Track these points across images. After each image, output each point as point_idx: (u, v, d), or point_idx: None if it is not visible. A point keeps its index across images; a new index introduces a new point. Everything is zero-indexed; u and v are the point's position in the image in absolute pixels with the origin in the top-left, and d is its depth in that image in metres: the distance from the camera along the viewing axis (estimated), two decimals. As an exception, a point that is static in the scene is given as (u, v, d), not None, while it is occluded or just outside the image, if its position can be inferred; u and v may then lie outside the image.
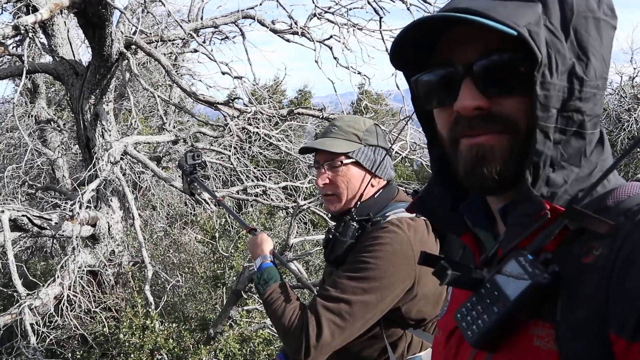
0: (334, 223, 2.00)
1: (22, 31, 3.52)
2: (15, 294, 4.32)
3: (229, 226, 6.26)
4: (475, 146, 0.78)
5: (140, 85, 5.56)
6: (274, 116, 5.40)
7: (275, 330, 1.92)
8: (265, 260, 2.00)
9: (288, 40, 5.85)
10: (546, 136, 0.73)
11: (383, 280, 1.68)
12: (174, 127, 7.67)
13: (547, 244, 0.74)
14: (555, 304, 0.70)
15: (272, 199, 6.65)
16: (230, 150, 6.60)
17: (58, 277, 4.51)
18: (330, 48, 5.90)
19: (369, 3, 5.66)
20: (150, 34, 5.13)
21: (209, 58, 5.25)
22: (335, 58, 5.90)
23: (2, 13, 6.96)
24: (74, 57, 5.27)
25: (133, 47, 4.92)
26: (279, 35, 5.77)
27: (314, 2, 5.74)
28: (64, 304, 4.53)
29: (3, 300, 6.18)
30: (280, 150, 7.06)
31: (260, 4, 5.74)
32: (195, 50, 7.14)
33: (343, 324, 1.67)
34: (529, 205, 0.74)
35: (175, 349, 4.35)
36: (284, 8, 5.42)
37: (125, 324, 4.33)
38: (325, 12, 5.76)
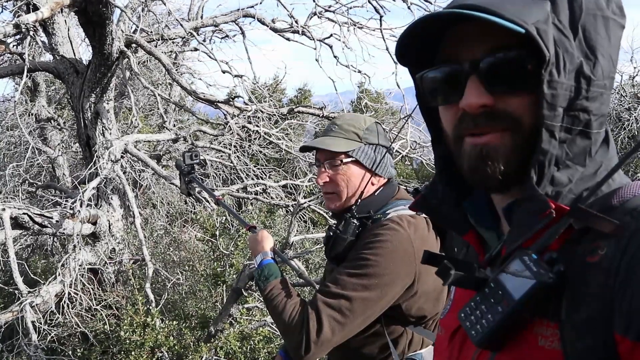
0: (334, 221, 2.01)
1: (23, 29, 3.53)
2: (16, 291, 4.33)
3: (228, 224, 6.26)
4: (479, 145, 0.78)
5: (141, 83, 5.56)
6: (274, 115, 5.40)
7: (276, 326, 1.92)
8: (266, 257, 2.01)
9: (288, 39, 5.85)
10: (552, 135, 0.72)
11: (383, 277, 1.69)
12: (174, 126, 7.68)
13: (552, 243, 0.74)
14: (560, 303, 0.70)
15: (271, 197, 6.65)
16: (230, 149, 6.60)
17: (59, 275, 4.52)
18: (331, 47, 5.90)
19: (369, 2, 5.66)
20: (151, 32, 5.14)
21: (209, 57, 5.27)
22: (335, 57, 5.90)
23: (2, 11, 6.95)
24: (75, 55, 5.27)
25: (133, 45, 4.92)
26: (279, 34, 5.76)
27: (314, 1, 5.73)
28: (64, 302, 4.54)
29: (4, 298, 6.20)
30: (280, 149, 7.07)
31: (260, 3, 5.74)
32: (196, 49, 7.14)
33: (343, 320, 1.67)
34: (534, 204, 0.73)
35: (176, 347, 4.36)
36: (284, 7, 5.42)
37: (125, 321, 4.33)
38: (326, 10, 5.75)
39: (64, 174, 7.68)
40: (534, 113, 0.73)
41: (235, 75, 5.08)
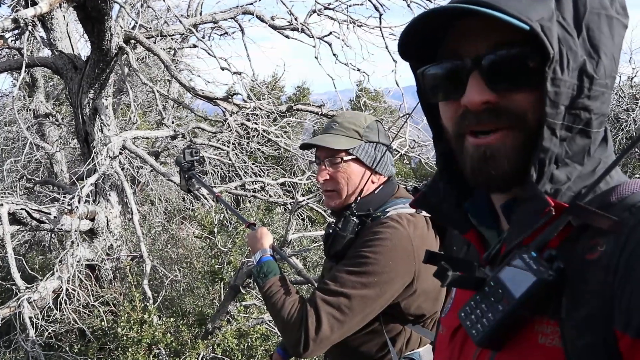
0: (332, 219, 2.00)
1: (22, 24, 3.51)
2: (14, 287, 4.32)
3: (226, 221, 6.26)
4: (482, 146, 0.78)
5: (140, 80, 5.55)
6: (273, 112, 5.40)
7: (274, 324, 1.92)
8: (265, 254, 2.00)
9: (287, 37, 5.84)
10: (553, 133, 0.72)
11: (382, 275, 1.68)
12: (173, 123, 7.66)
13: (551, 240, 0.74)
14: (560, 301, 0.70)
15: (269, 195, 6.65)
16: (229, 146, 6.60)
17: (57, 271, 4.52)
18: (330, 44, 5.89)
19: (369, 0, 5.65)
20: (150, 28, 5.12)
21: (208, 54, 5.26)
22: (334, 54, 5.89)
23: (1, 6, 6.93)
24: (73, 51, 5.26)
25: (132, 41, 4.91)
26: (278, 32, 5.76)
27: (314, -2, 5.73)
28: (62, 298, 4.54)
29: (1, 294, 6.19)
30: (278, 147, 7.06)
31: (259, 0, 5.74)
32: (195, 46, 7.13)
33: (342, 317, 1.67)
34: (533, 202, 0.73)
35: (173, 344, 4.36)
36: (284, 4, 5.40)
37: (123, 318, 4.33)
38: (325, 8, 5.74)
39: (61, 170, 7.67)
40: (537, 110, 0.73)
41: (234, 73, 5.07)
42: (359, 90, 9.90)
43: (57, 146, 7.46)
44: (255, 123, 5.98)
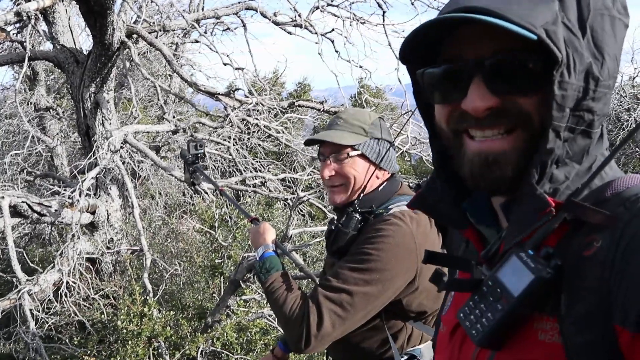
0: (333, 215, 2.01)
1: (24, 17, 3.51)
2: (14, 279, 4.33)
3: (227, 216, 6.27)
4: (484, 152, 0.77)
5: (141, 74, 5.54)
6: (275, 108, 5.39)
7: (276, 319, 1.92)
8: (268, 249, 1.99)
9: (290, 33, 5.82)
10: (557, 135, 0.72)
11: (385, 272, 1.68)
12: (174, 117, 7.66)
13: (548, 238, 0.74)
14: (559, 297, 0.70)
15: (270, 190, 6.65)
16: (229, 142, 6.59)
17: (57, 263, 4.52)
18: (332, 41, 5.88)
19: (373, -3, 5.64)
20: (153, 23, 5.11)
21: (210, 49, 5.24)
22: (336, 51, 5.88)
23: (2, -1, 6.89)
24: (75, 45, 5.25)
25: (134, 36, 4.90)
26: (280, 27, 5.74)
27: (316, -6, 5.71)
28: (62, 291, 4.55)
29: (1, 286, 6.20)
30: (279, 143, 7.05)
31: (262, -4, 5.72)
32: (197, 41, 7.12)
33: (344, 314, 1.67)
34: (533, 202, 0.73)
35: (173, 337, 4.36)
36: (287, 0, 5.39)
37: (123, 311, 4.34)
38: (328, 4, 5.73)
39: (62, 164, 7.67)
40: (541, 112, 0.72)
41: (237, 68, 5.07)
42: (361, 87, 9.88)
43: (57, 140, 7.46)
44: (256, 119, 5.97)
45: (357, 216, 1.82)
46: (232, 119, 5.00)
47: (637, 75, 11.79)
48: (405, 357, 1.83)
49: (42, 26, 5.44)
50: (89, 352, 4.65)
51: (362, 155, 1.88)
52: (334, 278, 1.72)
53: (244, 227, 5.38)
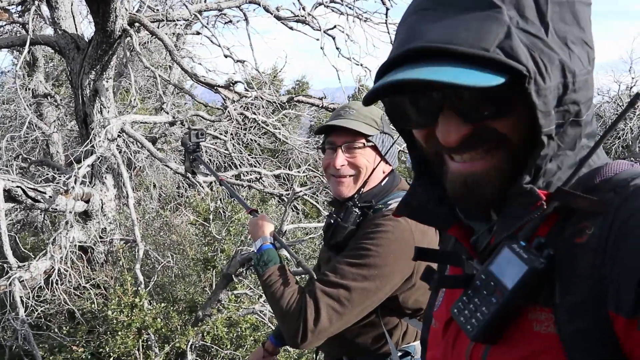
0: (327, 214, 1.98)
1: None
2: (5, 265, 4.30)
3: (221, 209, 6.24)
4: (464, 174, 0.76)
5: (142, 63, 5.52)
6: (274, 102, 5.37)
7: (273, 313, 1.90)
8: (266, 242, 1.98)
9: (292, 28, 5.81)
10: (550, 138, 0.70)
11: (383, 268, 1.68)
12: (171, 109, 7.63)
13: (539, 228, 0.74)
14: (553, 287, 0.69)
15: (264, 186, 6.63)
16: (226, 136, 6.57)
17: (49, 251, 4.49)
18: (334, 38, 5.87)
19: (376, -6, 5.62)
20: (157, 10, 5.09)
21: (212, 41, 5.22)
22: (337, 48, 5.88)
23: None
24: (77, 31, 5.22)
25: (136, 24, 4.88)
26: (282, 23, 5.73)
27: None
28: (53, 278, 4.51)
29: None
30: (275, 139, 7.03)
31: (266, -11, 5.70)
32: (198, 33, 7.10)
33: (341, 309, 1.66)
34: (524, 197, 0.72)
35: (163, 329, 4.33)
36: (291, -5, 5.37)
37: (113, 301, 4.31)
38: (332, 1, 5.72)
39: (57, 152, 7.63)
40: (519, 130, 0.71)
41: (237, 61, 5.05)
42: (360, 86, 9.87)
43: (54, 127, 7.41)
44: (254, 113, 5.95)
45: (357, 211, 1.81)
46: (230, 112, 4.97)
47: (634, 85, 11.87)
48: (401, 354, 1.84)
49: (45, 12, 5.40)
50: (77, 342, 4.62)
51: (374, 147, 1.86)
52: (332, 273, 1.71)
53: (238, 221, 5.35)
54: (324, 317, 1.65)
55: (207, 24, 6.23)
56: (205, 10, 5.70)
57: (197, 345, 4.41)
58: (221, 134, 7.22)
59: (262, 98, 5.15)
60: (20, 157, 7.25)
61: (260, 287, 4.63)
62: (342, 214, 1.83)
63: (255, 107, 5.94)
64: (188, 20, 5.89)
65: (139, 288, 4.44)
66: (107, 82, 5.17)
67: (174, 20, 5.24)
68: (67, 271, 4.65)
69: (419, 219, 0.92)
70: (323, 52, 5.36)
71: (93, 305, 4.69)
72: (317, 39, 5.65)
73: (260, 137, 9.00)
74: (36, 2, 3.57)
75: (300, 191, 4.69)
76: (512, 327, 0.73)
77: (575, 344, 0.66)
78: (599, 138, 0.75)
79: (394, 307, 1.80)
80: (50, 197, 4.57)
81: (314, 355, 2.26)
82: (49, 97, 7.47)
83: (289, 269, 1.88)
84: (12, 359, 4.89)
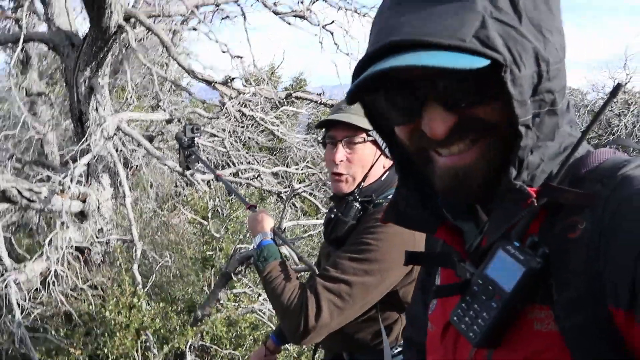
0: (326, 211, 1.96)
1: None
2: (0, 266, 4.25)
3: (219, 208, 6.22)
4: (454, 168, 0.75)
5: (138, 60, 5.47)
6: (272, 98, 5.34)
7: (273, 309, 1.89)
8: (266, 237, 1.96)
9: (289, 24, 5.78)
10: (528, 128, 0.69)
11: (384, 262, 1.67)
12: (169, 107, 7.59)
13: (530, 227, 0.73)
14: (550, 285, 0.69)
15: (263, 183, 6.61)
16: (224, 134, 6.54)
17: (45, 252, 4.44)
18: (332, 33, 5.85)
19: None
20: (153, 4, 5.04)
21: (209, 37, 5.18)
22: (335, 44, 5.87)
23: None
24: (71, 27, 5.17)
25: (132, 20, 4.82)
26: (280, 17, 5.69)
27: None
28: (50, 279, 4.46)
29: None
30: (273, 137, 7.01)
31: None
32: (195, 29, 7.06)
33: (342, 304, 1.65)
34: (514, 195, 0.71)
35: (162, 330, 4.31)
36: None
37: (111, 302, 4.28)
38: (330, -5, 5.69)
39: (52, 152, 7.56)
40: (505, 114, 0.69)
41: (235, 56, 5.01)
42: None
43: (48, 126, 7.36)
44: (252, 109, 5.92)
45: (357, 205, 1.80)
46: (228, 109, 4.93)
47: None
48: (399, 349, 1.82)
49: (38, 8, 5.35)
50: (75, 344, 4.58)
51: (374, 142, 1.83)
52: (333, 268, 1.70)
53: (236, 219, 5.33)
54: (325, 313, 1.64)
55: (204, 19, 6.19)
56: (202, 5, 5.65)
57: (196, 345, 4.38)
58: (219, 132, 7.19)
59: (259, 94, 5.11)
60: (14, 157, 7.18)
61: (259, 286, 4.62)
62: (342, 209, 1.82)
63: (253, 103, 5.91)
64: (184, 15, 5.85)
65: (137, 288, 4.40)
66: (102, 79, 5.11)
67: (170, 16, 5.20)
68: (63, 272, 4.60)
69: (405, 224, 0.91)
70: (321, 46, 5.33)
71: (90, 307, 4.65)
72: (316, 34, 5.64)
73: (258, 135, 8.98)
74: (28, -2, 3.51)
75: (299, 188, 4.67)
76: (513, 329, 0.72)
77: (575, 340, 0.66)
78: (584, 128, 0.74)
79: (393, 302, 1.79)
80: (45, 197, 4.51)
81: (312, 354, 2.25)
82: (43, 96, 7.42)
83: (289, 264, 1.87)
84: (9, 362, 4.84)
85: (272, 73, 11.42)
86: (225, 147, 6.69)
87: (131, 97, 5.16)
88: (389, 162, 1.88)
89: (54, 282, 4.47)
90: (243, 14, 5.72)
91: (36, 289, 4.53)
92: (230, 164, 7.30)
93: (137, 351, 4.18)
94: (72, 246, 4.77)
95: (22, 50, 6.70)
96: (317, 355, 2.24)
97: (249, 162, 7.68)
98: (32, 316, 4.55)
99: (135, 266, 4.52)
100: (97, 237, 5.31)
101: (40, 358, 4.45)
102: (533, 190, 0.70)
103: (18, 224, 7.30)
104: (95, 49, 4.66)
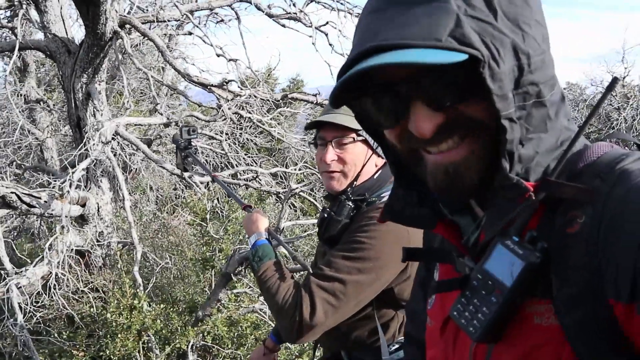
0: (325, 205, 1.98)
1: (15, 3, 3.46)
2: (2, 271, 4.28)
3: (218, 209, 6.23)
4: (444, 164, 0.75)
5: (134, 65, 5.49)
6: (269, 100, 5.35)
7: (269, 308, 1.91)
8: (260, 237, 1.98)
9: (284, 26, 5.79)
10: (511, 121, 0.69)
11: (378, 260, 1.68)
12: (166, 110, 7.60)
13: (529, 222, 0.73)
14: (550, 279, 0.69)
15: (261, 184, 6.62)
16: (222, 136, 6.56)
17: (46, 256, 4.46)
18: (326, 34, 5.86)
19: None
20: (147, 9, 5.06)
21: (204, 41, 5.20)
22: (330, 45, 5.87)
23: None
24: (67, 34, 5.18)
25: (127, 26, 4.85)
26: (274, 20, 5.70)
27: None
28: (51, 283, 4.49)
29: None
30: (271, 138, 7.01)
31: (257, -13, 5.67)
32: (190, 33, 7.07)
33: (337, 303, 1.66)
34: (511, 190, 0.72)
35: (163, 331, 4.33)
36: (282, -8, 5.35)
37: (112, 304, 4.30)
38: (323, -4, 5.70)
39: (52, 157, 7.60)
40: (491, 110, 0.70)
41: (230, 60, 5.03)
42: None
43: (47, 132, 7.38)
44: (249, 112, 5.94)
45: (350, 204, 1.81)
46: (225, 111, 4.95)
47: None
48: (397, 346, 1.83)
49: (34, 16, 5.37)
50: (77, 346, 4.60)
51: (365, 141, 1.85)
52: (327, 267, 1.71)
53: (235, 220, 5.35)
54: (320, 311, 1.65)
55: (199, 23, 6.21)
56: (196, 10, 5.67)
57: (197, 345, 4.40)
58: (217, 134, 7.21)
59: (256, 96, 5.13)
60: (14, 163, 7.21)
61: (259, 285, 4.61)
62: (336, 208, 1.83)
63: (249, 105, 5.92)
64: (179, 20, 5.87)
65: (138, 290, 4.42)
66: (99, 85, 5.13)
67: (165, 21, 5.22)
68: (64, 276, 4.63)
69: (403, 222, 0.91)
70: (315, 48, 5.35)
71: (92, 309, 4.67)
72: (310, 36, 5.64)
73: (256, 136, 8.99)
74: (24, 6, 3.53)
75: (297, 188, 4.69)
76: (512, 323, 0.73)
77: (576, 335, 0.66)
78: (582, 122, 0.74)
79: (389, 300, 1.80)
80: (45, 202, 4.54)
81: (313, 351, 2.26)
82: (41, 103, 7.44)
83: (285, 264, 1.88)
84: (13, 365, 4.87)
85: (268, 75, 11.42)
86: (223, 149, 6.70)
87: (128, 101, 5.17)
88: (381, 161, 1.90)
89: (55, 285, 4.49)
90: (237, 17, 5.73)
91: (38, 293, 4.55)
92: (229, 166, 7.32)
93: (139, 352, 4.20)
94: (72, 250, 4.79)
95: (19, 57, 6.73)
96: (317, 353, 2.25)
97: (247, 164, 7.69)
98: (35, 319, 4.57)
99: (136, 268, 4.53)
100: (97, 241, 5.33)
101: (43, 361, 4.48)
102: (530, 184, 0.70)
103: (20, 229, 7.33)
104: (91, 55, 4.68)
